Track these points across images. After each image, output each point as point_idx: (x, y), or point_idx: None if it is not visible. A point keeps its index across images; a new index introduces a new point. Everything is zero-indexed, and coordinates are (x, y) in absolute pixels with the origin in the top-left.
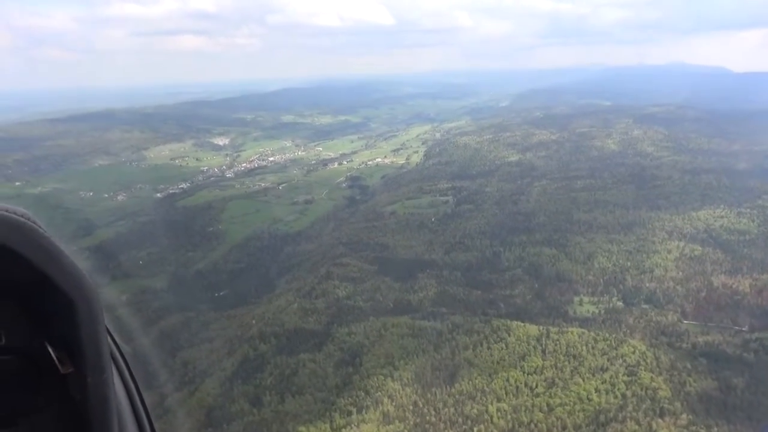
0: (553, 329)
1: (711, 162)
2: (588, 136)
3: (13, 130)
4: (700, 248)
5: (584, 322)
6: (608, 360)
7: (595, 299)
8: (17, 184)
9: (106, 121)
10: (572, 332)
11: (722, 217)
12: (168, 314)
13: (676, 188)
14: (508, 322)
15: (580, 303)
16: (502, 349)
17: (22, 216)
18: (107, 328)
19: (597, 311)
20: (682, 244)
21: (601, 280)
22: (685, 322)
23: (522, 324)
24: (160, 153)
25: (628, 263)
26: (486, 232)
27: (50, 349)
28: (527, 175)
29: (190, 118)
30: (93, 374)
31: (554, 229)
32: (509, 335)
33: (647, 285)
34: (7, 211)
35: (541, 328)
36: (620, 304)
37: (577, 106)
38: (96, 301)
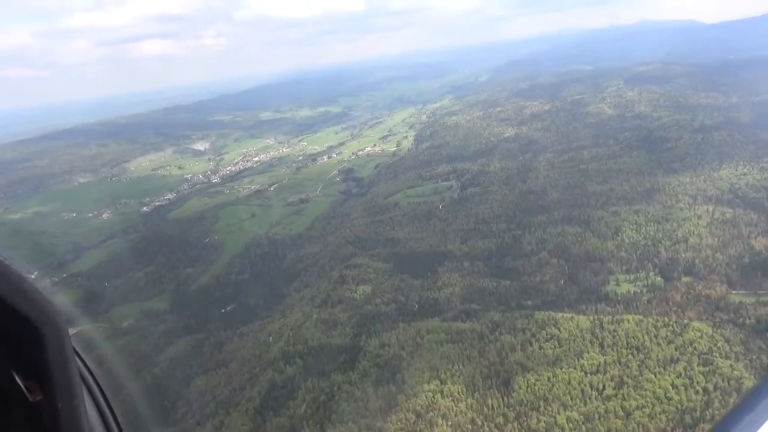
0: (605, 318)
1: (715, 118)
2: (581, 103)
3: None
4: (730, 210)
5: (629, 303)
6: (676, 349)
7: (632, 276)
8: None
9: (80, 137)
10: (628, 320)
11: (745, 174)
12: (176, 338)
13: (689, 149)
14: (553, 314)
15: (617, 282)
16: (554, 347)
17: None
18: (77, 352)
19: (638, 290)
20: (710, 207)
21: (634, 255)
22: (734, 292)
23: (569, 315)
24: (141, 164)
25: (659, 234)
26: (500, 215)
27: (17, 378)
28: (527, 149)
29: (167, 125)
30: (63, 401)
31: (571, 204)
32: (559, 330)
33: (683, 256)
34: None
35: (592, 318)
36: (659, 279)
37: (560, 73)
38: (62, 326)
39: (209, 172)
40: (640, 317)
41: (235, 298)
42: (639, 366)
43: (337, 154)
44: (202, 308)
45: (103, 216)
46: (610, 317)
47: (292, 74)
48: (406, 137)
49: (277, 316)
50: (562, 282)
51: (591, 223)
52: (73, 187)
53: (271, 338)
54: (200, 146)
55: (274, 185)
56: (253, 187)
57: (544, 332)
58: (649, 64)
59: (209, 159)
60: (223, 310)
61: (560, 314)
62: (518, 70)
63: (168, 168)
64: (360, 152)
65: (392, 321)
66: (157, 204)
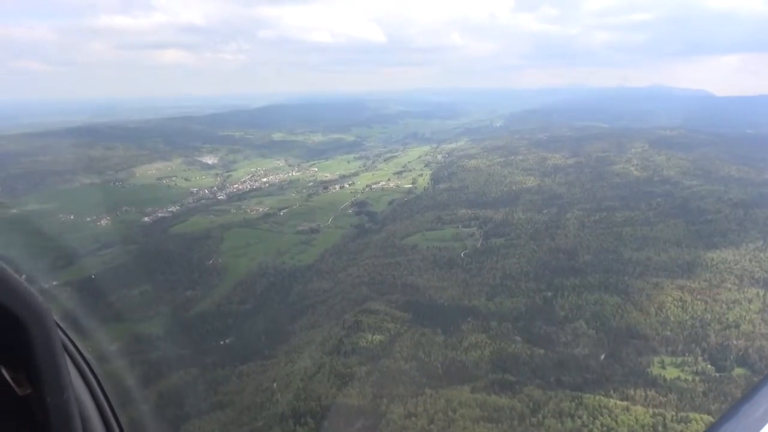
0: (668, 414)
1: (749, 192)
2: (606, 161)
3: None
4: None
5: (683, 394)
6: None
7: (678, 360)
8: None
9: (87, 137)
10: (696, 419)
11: None
12: (168, 370)
13: (731, 224)
14: (604, 399)
15: (662, 365)
16: None
17: None
18: (73, 342)
19: (687, 377)
20: (761, 291)
21: (680, 336)
22: None
23: (624, 404)
24: (147, 171)
25: (707, 315)
26: (529, 273)
27: (5, 372)
28: (552, 203)
29: (177, 135)
30: (52, 394)
31: (605, 270)
32: (615, 422)
33: (735, 343)
34: None
35: (653, 411)
36: (710, 367)
37: (578, 128)
38: (47, 318)
39: (216, 188)
40: (708, 417)
41: (235, 330)
42: None
43: (349, 185)
44: (199, 338)
45: (102, 222)
46: (674, 413)
47: (305, 97)
48: (422, 175)
49: (281, 357)
50: (602, 358)
51: (630, 293)
52: (74, 188)
53: (275, 385)
54: (209, 160)
55: (284, 210)
56: (261, 209)
57: (597, 422)
58: (673, 129)
59: (217, 174)
60: (221, 342)
61: (612, 401)
62: (532, 119)
63: (174, 179)
64: (374, 185)
65: (416, 384)
66: (159, 215)
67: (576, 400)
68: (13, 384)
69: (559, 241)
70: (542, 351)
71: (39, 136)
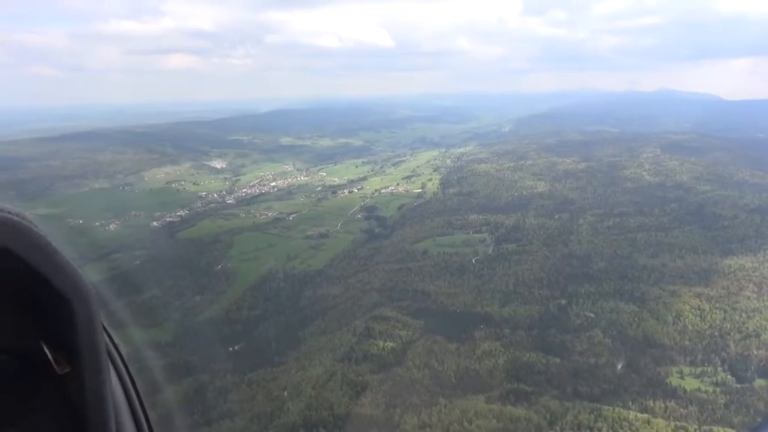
0: (690, 427)
1: (764, 198)
2: (617, 166)
3: None
4: None
5: (703, 405)
6: None
7: (697, 370)
8: None
9: (96, 141)
10: None
11: None
12: (176, 376)
13: (748, 230)
14: (624, 412)
15: (681, 375)
16: None
17: (17, 215)
18: (105, 329)
19: (707, 388)
20: None
21: (699, 346)
22: None
23: (645, 417)
24: (155, 176)
25: (726, 324)
26: (542, 279)
27: (46, 350)
28: (563, 208)
29: (185, 139)
30: (90, 374)
31: (620, 277)
32: None
33: (756, 353)
34: (2, 210)
35: (674, 425)
36: (730, 377)
37: (588, 132)
38: (92, 301)
39: (224, 192)
40: (731, 430)
41: (244, 336)
42: None
43: (358, 189)
44: (208, 344)
45: (111, 227)
46: (696, 426)
47: (312, 102)
48: (431, 180)
49: (292, 364)
50: (619, 367)
51: (647, 301)
52: (83, 192)
53: (286, 393)
54: (217, 164)
55: (293, 215)
56: (270, 213)
57: None
58: (684, 133)
59: (225, 178)
60: (231, 348)
61: (632, 413)
62: (541, 124)
63: (182, 183)
64: (383, 190)
65: (429, 392)
66: (168, 220)
67: (595, 412)
68: (53, 362)
69: (572, 247)
70: (558, 360)
71: (49, 140)
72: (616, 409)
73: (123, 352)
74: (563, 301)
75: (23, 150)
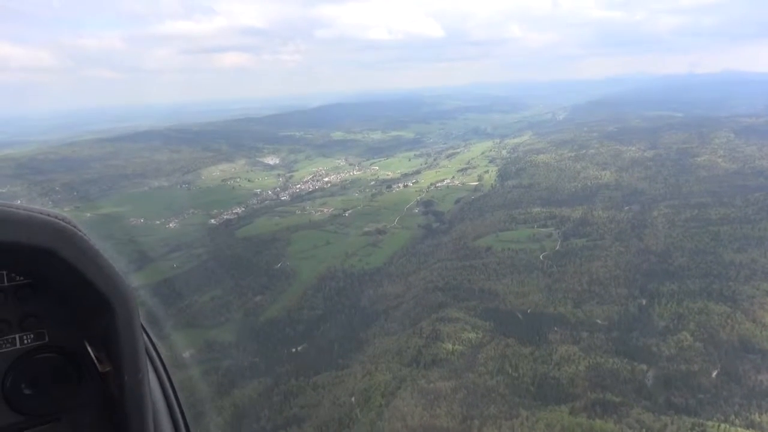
0: None
1: None
2: (689, 153)
3: (62, 150)
4: None
5: None
6: None
7: None
8: (66, 209)
9: (154, 141)
10: None
11: None
12: (241, 378)
13: None
14: (732, 429)
15: None
16: None
17: (63, 221)
18: (144, 328)
19: None
20: None
21: None
22: None
23: None
24: (212, 174)
25: None
26: (618, 277)
27: (89, 348)
28: (634, 200)
29: (239, 136)
30: (129, 373)
31: (705, 274)
32: None
33: None
34: (49, 215)
35: None
36: None
37: (649, 118)
38: (132, 302)
39: (278, 189)
40: None
41: (306, 337)
42: None
43: (413, 183)
44: (271, 345)
45: (170, 225)
46: None
47: (361, 95)
48: (487, 172)
49: (356, 367)
50: (714, 375)
51: (739, 301)
52: (143, 191)
53: (353, 399)
54: (271, 160)
55: (349, 211)
56: (326, 210)
57: None
58: (758, 117)
59: (279, 174)
60: (293, 350)
61: (739, 430)
62: (598, 111)
63: (237, 180)
64: (438, 183)
65: (507, 403)
66: (225, 217)
67: (697, 428)
68: (96, 360)
69: (648, 242)
70: (644, 366)
71: (110, 141)
72: (722, 426)
73: (162, 352)
74: (643, 301)
75: (86, 151)
